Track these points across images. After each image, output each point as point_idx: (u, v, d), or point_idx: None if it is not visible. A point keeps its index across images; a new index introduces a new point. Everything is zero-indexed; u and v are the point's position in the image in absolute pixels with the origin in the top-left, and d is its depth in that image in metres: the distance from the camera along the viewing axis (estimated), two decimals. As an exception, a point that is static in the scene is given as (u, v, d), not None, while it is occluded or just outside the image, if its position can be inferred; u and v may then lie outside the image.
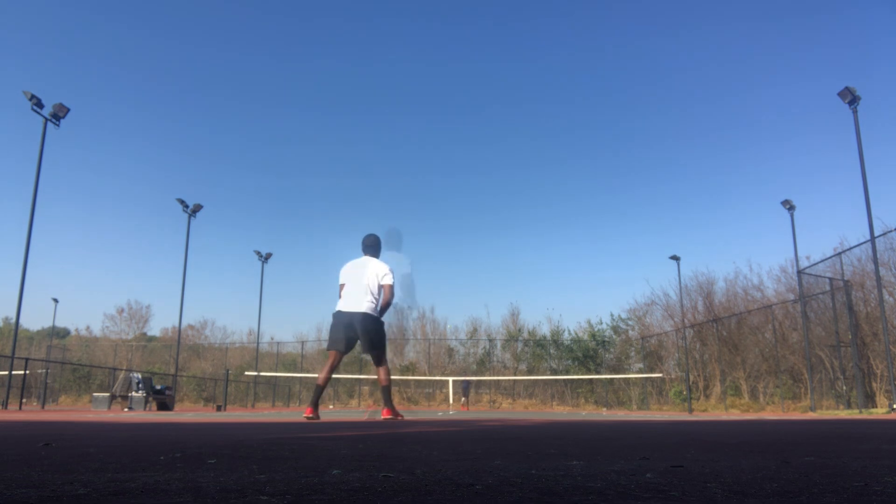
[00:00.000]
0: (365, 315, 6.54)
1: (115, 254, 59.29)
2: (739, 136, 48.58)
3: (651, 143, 51.54)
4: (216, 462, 1.67)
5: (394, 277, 6.72)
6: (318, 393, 6.47)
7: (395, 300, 6.79)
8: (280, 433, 3.36)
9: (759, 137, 47.21)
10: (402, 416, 6.89)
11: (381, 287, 6.67)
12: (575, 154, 53.49)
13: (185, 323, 37.15)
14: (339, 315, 6.63)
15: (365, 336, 6.53)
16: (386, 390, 6.67)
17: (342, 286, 6.75)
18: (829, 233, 53.21)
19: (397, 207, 56.40)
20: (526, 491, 1.14)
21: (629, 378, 29.14)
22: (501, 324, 34.84)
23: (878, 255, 15.36)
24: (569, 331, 33.11)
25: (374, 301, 6.62)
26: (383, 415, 6.58)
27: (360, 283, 6.63)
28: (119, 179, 56.48)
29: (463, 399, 27.04)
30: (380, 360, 6.68)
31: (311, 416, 6.24)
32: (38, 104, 15.34)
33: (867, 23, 39.74)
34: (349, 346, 6.68)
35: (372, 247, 6.82)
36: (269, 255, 30.13)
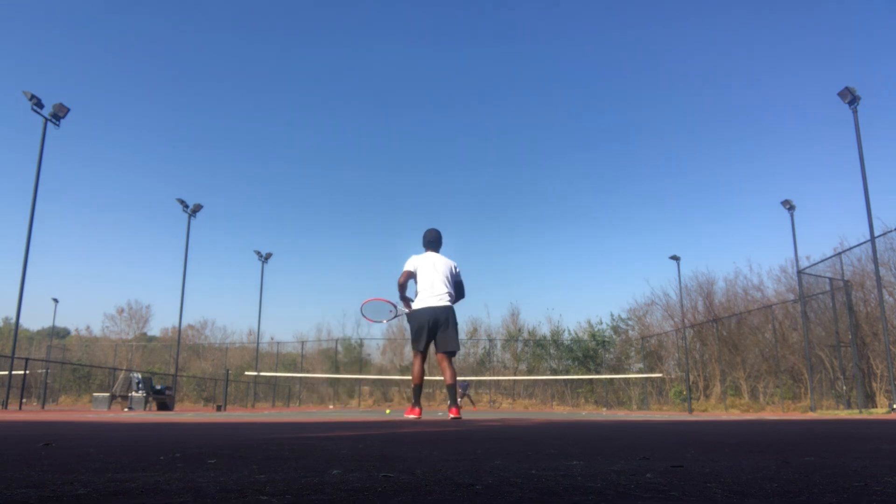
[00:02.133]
0: (449, 308, 6.47)
1: (115, 254, 59.35)
2: (739, 136, 48.62)
3: (651, 143, 51.58)
4: (216, 462, 1.67)
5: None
6: (417, 392, 6.41)
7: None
8: (280, 433, 3.36)
9: (760, 137, 47.25)
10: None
11: (457, 283, 6.66)
12: (575, 154, 53.54)
13: (185, 323, 37.14)
14: (424, 311, 6.44)
15: (452, 330, 6.41)
16: (452, 388, 6.41)
17: (410, 273, 6.58)
18: (829, 233, 53.24)
19: (397, 207, 56.47)
20: (526, 491, 1.14)
21: (629, 378, 29.13)
22: (501, 324, 34.88)
23: (878, 255, 15.36)
24: (569, 331, 33.15)
25: (452, 297, 6.57)
26: (452, 413, 6.30)
27: (440, 279, 6.51)
28: (119, 179, 56.54)
29: (461, 398, 26.88)
30: (454, 355, 6.54)
31: (418, 416, 6.18)
32: (38, 104, 15.34)
33: (867, 23, 39.77)
34: (429, 344, 6.51)
35: (435, 241, 6.76)
36: (269, 255, 30.14)
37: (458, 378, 27.55)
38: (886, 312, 15.58)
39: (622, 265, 51.47)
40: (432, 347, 6.60)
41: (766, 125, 47.29)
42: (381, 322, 6.88)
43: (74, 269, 57.23)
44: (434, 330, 6.39)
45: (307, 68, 55.90)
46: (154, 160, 56.28)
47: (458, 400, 25.81)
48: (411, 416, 6.19)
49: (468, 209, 55.59)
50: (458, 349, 6.50)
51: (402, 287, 6.63)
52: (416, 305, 6.54)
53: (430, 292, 6.47)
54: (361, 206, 56.91)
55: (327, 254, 57.65)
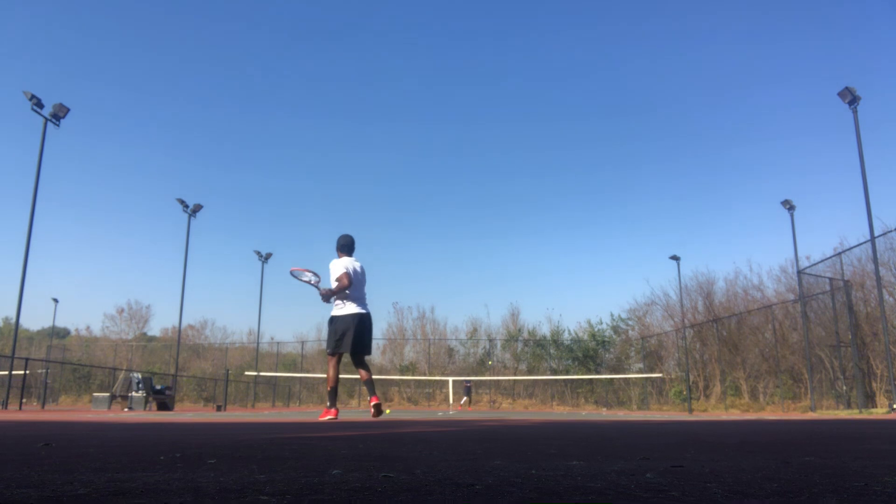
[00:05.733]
0: (370, 315, 6.90)
1: (115, 254, 59.25)
2: (739, 136, 48.59)
3: (651, 143, 51.56)
4: (216, 462, 1.67)
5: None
6: (333, 394, 6.74)
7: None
8: (280, 433, 3.36)
9: (760, 137, 47.21)
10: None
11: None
12: (575, 154, 53.52)
13: (185, 323, 37.00)
14: (354, 316, 6.67)
15: (369, 336, 6.86)
16: (370, 382, 7.02)
17: (348, 276, 6.61)
18: (829, 233, 53.14)
19: (397, 207, 56.45)
20: (526, 491, 1.14)
21: (629, 378, 29.13)
22: (501, 324, 34.85)
23: (878, 255, 15.36)
24: (569, 331, 33.14)
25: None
26: (372, 401, 6.85)
27: (363, 284, 6.93)
28: (119, 179, 56.50)
29: (465, 399, 27.15)
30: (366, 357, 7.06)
31: (335, 417, 6.44)
32: (38, 104, 15.34)
33: (867, 23, 39.76)
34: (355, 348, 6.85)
35: (350, 245, 6.98)
36: (269, 255, 30.13)
37: (460, 379, 27.91)
38: (886, 312, 15.58)
39: (622, 265, 51.44)
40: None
41: (766, 125, 47.32)
42: (305, 282, 6.98)
43: (74, 269, 57.23)
44: (361, 335, 6.72)
45: (307, 69, 55.93)
46: (154, 160, 56.28)
47: (465, 400, 25.97)
48: (328, 417, 6.40)
49: (468, 209, 55.62)
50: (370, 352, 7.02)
51: (347, 288, 6.67)
52: (344, 310, 6.70)
53: (358, 299, 6.79)
54: (361, 206, 56.91)
55: (327, 253, 57.60)
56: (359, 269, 6.85)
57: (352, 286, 6.67)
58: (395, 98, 55.69)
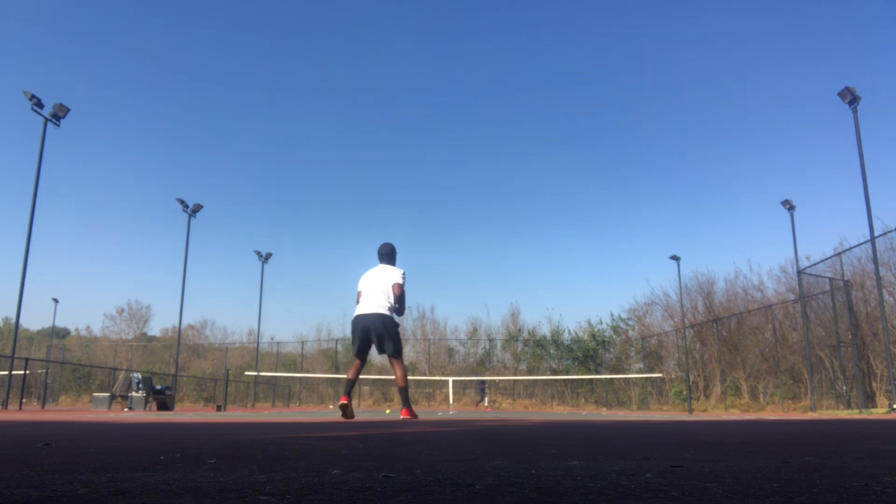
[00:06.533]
0: (380, 315, 6.77)
1: (115, 254, 59.28)
2: (739, 136, 48.61)
3: (651, 142, 51.56)
4: (216, 462, 1.67)
5: (404, 279, 6.97)
6: (349, 385, 6.81)
7: (406, 300, 7.07)
8: (280, 433, 3.36)
9: (760, 137, 47.23)
10: (417, 416, 7.06)
11: (392, 286, 6.90)
12: (574, 154, 53.52)
13: (185, 323, 37.00)
14: (355, 320, 6.89)
15: (378, 335, 6.77)
16: (403, 391, 6.83)
17: (359, 293, 7.00)
18: (829, 233, 53.12)
19: (397, 207, 56.42)
20: (526, 491, 1.14)
21: (629, 378, 29.12)
22: (501, 324, 34.82)
23: (878, 255, 15.36)
24: (569, 331, 33.11)
25: (390, 304, 6.86)
26: (402, 415, 6.75)
27: (376, 288, 6.86)
28: (119, 179, 56.51)
29: (486, 400, 27.15)
30: (396, 359, 6.87)
31: (345, 402, 6.54)
32: (38, 104, 15.34)
33: (867, 23, 39.75)
34: (366, 350, 6.93)
35: (387, 255, 7.09)
36: (269, 255, 30.14)
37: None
38: (886, 312, 15.58)
39: (622, 265, 51.46)
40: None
41: (766, 125, 47.33)
42: None
43: (74, 269, 57.24)
44: (368, 337, 6.80)
45: (306, 67, 55.92)
46: (154, 160, 56.30)
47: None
48: (341, 401, 6.66)
49: (468, 208, 55.62)
50: (395, 353, 6.83)
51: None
52: (354, 314, 6.99)
53: (365, 303, 6.90)
54: (362, 206, 56.89)
55: (328, 253, 57.67)
56: (374, 275, 6.96)
57: (361, 293, 6.97)
58: (396, 100, 55.71)
